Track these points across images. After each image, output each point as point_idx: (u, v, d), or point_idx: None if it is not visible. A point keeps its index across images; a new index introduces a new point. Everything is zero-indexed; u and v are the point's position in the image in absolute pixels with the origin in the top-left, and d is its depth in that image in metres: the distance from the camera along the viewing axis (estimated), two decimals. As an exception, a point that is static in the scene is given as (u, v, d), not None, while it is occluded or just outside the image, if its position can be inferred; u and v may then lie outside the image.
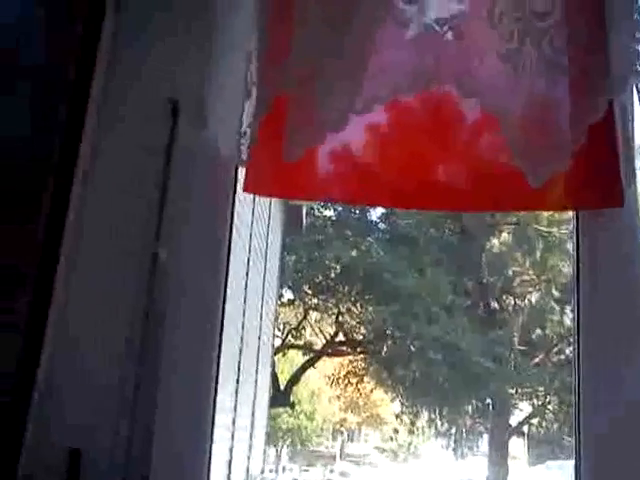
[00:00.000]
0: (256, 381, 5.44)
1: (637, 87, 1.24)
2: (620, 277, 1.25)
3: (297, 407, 10.03)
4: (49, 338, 1.16)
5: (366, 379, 9.98)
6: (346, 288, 9.16)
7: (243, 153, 1.30)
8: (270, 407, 7.41)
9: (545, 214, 7.68)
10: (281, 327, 9.41)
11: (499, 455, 8.60)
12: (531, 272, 8.66)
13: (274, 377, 8.21)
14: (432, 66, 1.20)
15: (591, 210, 1.29)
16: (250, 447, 5.27)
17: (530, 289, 8.74)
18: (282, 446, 10.47)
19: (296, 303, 9.41)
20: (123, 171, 1.32)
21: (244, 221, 3.97)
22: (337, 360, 10.04)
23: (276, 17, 1.30)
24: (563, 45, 1.21)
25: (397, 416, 10.14)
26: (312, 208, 8.40)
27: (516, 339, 8.63)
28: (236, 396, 4.24)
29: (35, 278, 1.16)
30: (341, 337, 9.66)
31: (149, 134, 1.33)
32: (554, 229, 8.38)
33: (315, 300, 9.44)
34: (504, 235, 9.02)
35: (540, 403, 8.95)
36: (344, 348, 9.75)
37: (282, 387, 9.17)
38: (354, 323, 9.54)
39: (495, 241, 9.01)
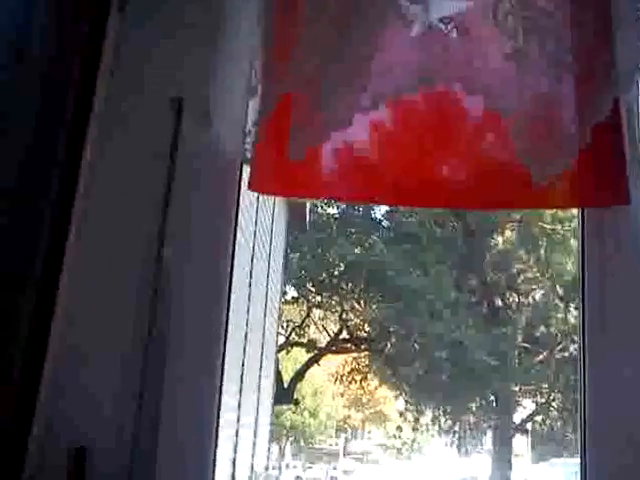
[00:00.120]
0: (260, 378, 5.45)
1: (643, 84, 1.24)
2: (626, 275, 1.25)
3: (300, 404, 10.03)
4: (55, 336, 1.16)
5: (370, 376, 9.98)
6: (350, 286, 9.16)
7: (248, 151, 1.30)
8: (274, 404, 7.42)
9: (549, 212, 7.67)
10: (285, 325, 9.41)
11: (503, 452, 8.59)
12: (535, 270, 8.64)
13: (278, 374, 8.21)
14: (437, 64, 1.20)
15: (597, 208, 1.29)
16: (254, 444, 5.28)
17: (534, 286, 8.72)
18: (285, 443, 10.47)
19: (300, 301, 9.41)
20: (127, 169, 1.32)
21: (248, 219, 3.97)
22: (341, 357, 10.05)
23: (281, 14, 1.30)
24: (569, 43, 1.20)
25: (401, 413, 10.15)
26: (315, 206, 8.40)
27: (520, 336, 8.62)
28: (240, 394, 4.24)
29: (40, 278, 1.16)
30: (345, 335, 9.66)
31: (153, 133, 1.33)
32: (558, 226, 8.36)
33: (319, 298, 9.45)
34: (508, 233, 9.01)
35: (544, 400, 8.95)
36: (348, 345, 9.75)
37: (286, 384, 9.17)
38: (358, 321, 9.54)
39: (499, 239, 9.00)
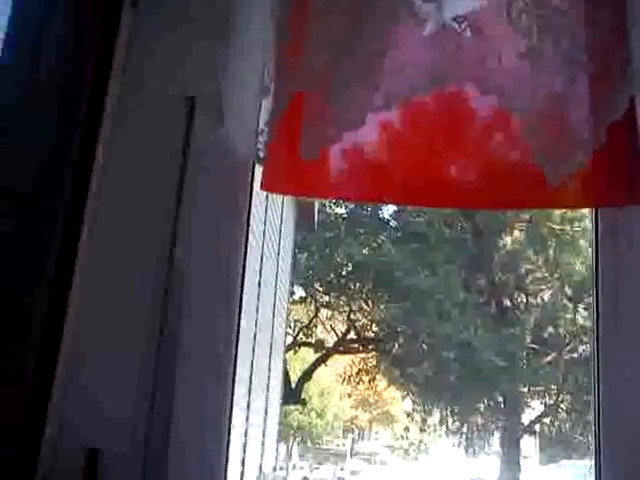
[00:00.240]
0: (269, 378, 5.45)
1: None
2: (641, 275, 1.24)
3: (308, 405, 10.04)
4: (67, 337, 1.16)
5: (377, 377, 9.98)
6: (357, 286, 9.17)
7: (260, 151, 1.30)
8: (282, 405, 7.42)
9: (558, 212, 7.65)
10: (292, 325, 9.42)
11: (511, 454, 8.58)
12: (544, 270, 8.62)
13: (285, 375, 8.21)
14: (450, 64, 1.19)
15: (611, 207, 1.28)
16: (263, 444, 5.28)
17: (543, 287, 8.70)
18: (293, 444, 10.48)
19: (308, 301, 9.42)
20: (139, 169, 1.32)
21: (258, 219, 3.97)
22: (348, 358, 10.05)
23: (294, 12, 1.29)
24: (583, 41, 1.20)
25: (408, 414, 10.14)
26: (324, 205, 8.40)
27: (528, 337, 8.60)
28: (249, 394, 4.24)
29: (52, 279, 1.16)
30: (352, 335, 9.66)
31: (165, 132, 1.33)
32: (567, 227, 8.34)
33: (326, 298, 9.46)
34: (516, 233, 8.99)
35: (552, 402, 8.92)
36: (355, 346, 9.76)
37: (293, 385, 9.18)
38: (365, 321, 9.54)
39: (507, 239, 8.98)
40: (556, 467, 8.41)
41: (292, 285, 7.96)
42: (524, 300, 8.94)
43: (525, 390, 8.76)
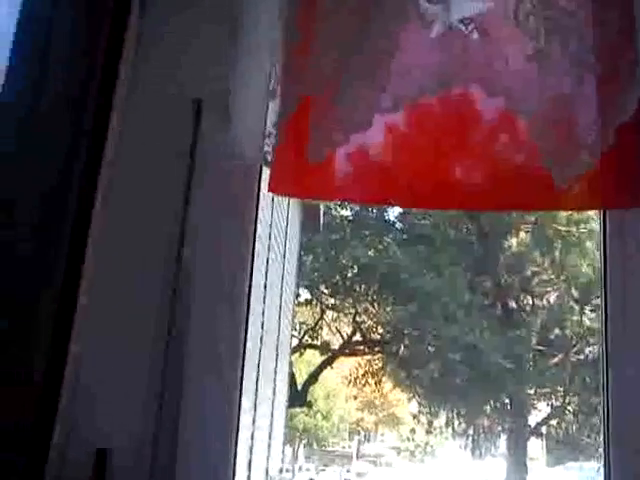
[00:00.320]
0: (275, 381, 5.45)
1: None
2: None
3: (314, 407, 10.02)
4: (76, 337, 1.16)
5: (383, 379, 9.95)
6: (363, 288, 9.15)
7: (268, 153, 1.30)
8: (288, 407, 7.42)
9: (563, 213, 7.62)
10: (298, 327, 9.40)
11: (518, 456, 8.54)
12: (550, 272, 8.59)
13: (291, 377, 8.20)
14: (457, 66, 1.19)
15: (619, 209, 1.28)
16: (269, 447, 5.27)
17: (549, 289, 8.66)
18: (298, 446, 10.46)
19: (313, 303, 9.40)
20: (147, 171, 1.32)
21: (263, 220, 3.97)
22: (354, 360, 10.02)
23: (302, 12, 1.29)
24: (591, 42, 1.19)
25: (414, 416, 10.11)
26: (329, 208, 8.39)
27: (535, 339, 8.57)
28: (256, 396, 4.24)
29: (61, 279, 1.17)
30: (358, 337, 9.64)
31: (173, 134, 1.33)
32: (573, 228, 8.31)
33: (332, 300, 9.43)
34: (522, 235, 8.96)
35: (559, 404, 8.89)
36: (361, 348, 9.73)
37: (299, 387, 9.16)
38: (371, 323, 9.52)
39: (513, 241, 8.95)
40: (563, 469, 8.37)
41: (298, 287, 7.95)
42: (530, 302, 8.90)
43: (532, 392, 8.72)
